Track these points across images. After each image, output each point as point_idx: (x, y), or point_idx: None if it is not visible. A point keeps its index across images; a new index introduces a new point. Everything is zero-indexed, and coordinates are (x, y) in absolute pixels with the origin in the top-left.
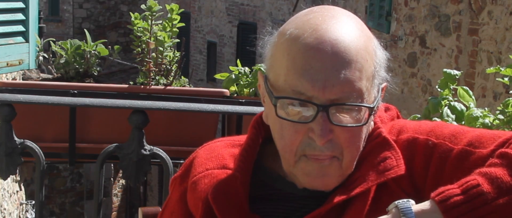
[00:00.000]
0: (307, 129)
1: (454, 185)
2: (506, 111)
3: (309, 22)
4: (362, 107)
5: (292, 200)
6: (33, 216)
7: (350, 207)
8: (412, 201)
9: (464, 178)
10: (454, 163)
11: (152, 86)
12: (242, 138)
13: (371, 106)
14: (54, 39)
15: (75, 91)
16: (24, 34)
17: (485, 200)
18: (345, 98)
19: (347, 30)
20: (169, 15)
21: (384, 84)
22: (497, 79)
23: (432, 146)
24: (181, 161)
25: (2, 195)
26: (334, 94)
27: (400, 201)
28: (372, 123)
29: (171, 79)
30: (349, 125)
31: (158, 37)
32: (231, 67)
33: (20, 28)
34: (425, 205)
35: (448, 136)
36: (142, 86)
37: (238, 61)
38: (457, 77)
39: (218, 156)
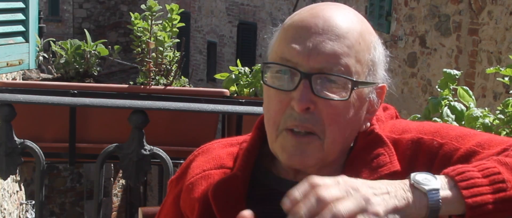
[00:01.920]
0: (290, 99)
1: (472, 166)
2: (506, 110)
3: (309, 8)
4: (349, 85)
5: None
6: (33, 216)
7: None
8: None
9: (480, 162)
10: (460, 160)
11: (152, 86)
12: (239, 138)
13: (354, 79)
14: (54, 39)
15: (75, 91)
16: (24, 34)
17: (505, 188)
18: (329, 69)
19: (345, 14)
20: (169, 15)
21: (383, 84)
22: (497, 79)
23: (438, 146)
24: (181, 161)
25: (2, 195)
26: (319, 62)
27: (430, 187)
28: (368, 123)
29: (171, 79)
30: (331, 98)
31: (158, 37)
32: (231, 67)
33: (20, 28)
34: (447, 191)
35: (454, 137)
36: (142, 86)
37: (238, 61)
38: (457, 77)
39: (215, 157)
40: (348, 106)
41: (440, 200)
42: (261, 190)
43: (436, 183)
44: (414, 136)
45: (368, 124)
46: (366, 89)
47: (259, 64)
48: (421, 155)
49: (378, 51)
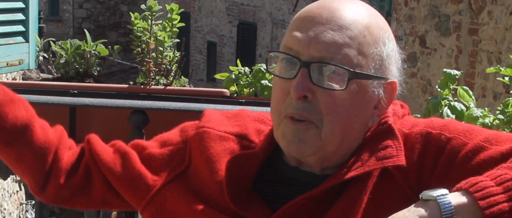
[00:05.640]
0: (291, 87)
1: (484, 177)
2: (506, 110)
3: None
4: (346, 75)
5: (293, 184)
6: (33, 216)
7: (347, 190)
8: (447, 192)
9: (490, 171)
10: (467, 155)
11: (152, 86)
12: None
13: (351, 70)
14: (54, 39)
15: (75, 91)
16: (24, 34)
17: None
18: (328, 59)
19: (353, 7)
20: (169, 15)
21: (392, 80)
22: (497, 79)
23: (445, 140)
24: None
25: (2, 195)
26: (318, 52)
27: (438, 193)
28: (377, 119)
29: (171, 79)
30: (328, 88)
31: (158, 37)
32: (231, 67)
33: (20, 28)
34: (461, 198)
35: (462, 132)
36: (142, 86)
37: (238, 61)
38: (457, 77)
39: (242, 125)
40: (348, 97)
41: (452, 206)
42: (272, 172)
43: (443, 190)
44: (423, 129)
45: (377, 120)
46: (371, 83)
47: (259, 64)
48: (429, 149)
49: (388, 47)
